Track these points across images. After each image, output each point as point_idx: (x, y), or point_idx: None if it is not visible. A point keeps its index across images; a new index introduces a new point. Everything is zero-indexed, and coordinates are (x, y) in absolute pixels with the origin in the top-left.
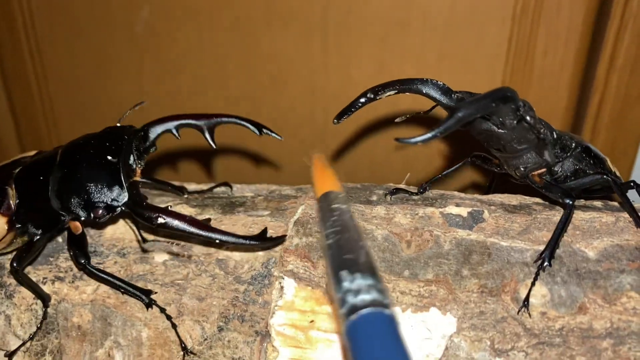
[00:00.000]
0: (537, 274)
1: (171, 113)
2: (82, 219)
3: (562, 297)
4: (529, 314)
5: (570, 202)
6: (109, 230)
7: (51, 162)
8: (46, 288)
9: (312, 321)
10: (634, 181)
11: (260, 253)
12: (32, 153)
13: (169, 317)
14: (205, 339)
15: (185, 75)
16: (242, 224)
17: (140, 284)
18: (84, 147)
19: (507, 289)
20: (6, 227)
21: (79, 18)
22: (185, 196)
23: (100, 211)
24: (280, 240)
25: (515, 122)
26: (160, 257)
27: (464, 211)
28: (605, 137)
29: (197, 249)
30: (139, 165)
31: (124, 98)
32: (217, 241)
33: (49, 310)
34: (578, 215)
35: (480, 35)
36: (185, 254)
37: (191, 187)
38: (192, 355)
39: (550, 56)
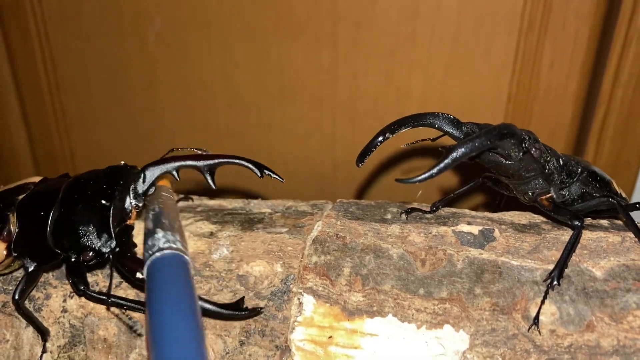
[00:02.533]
0: (546, 293)
1: (182, 123)
2: (73, 259)
3: (571, 315)
4: (539, 331)
5: (579, 224)
6: (139, 246)
7: (54, 197)
8: (73, 302)
9: (330, 337)
10: (639, 203)
11: (279, 269)
12: (37, 179)
13: None
14: (227, 353)
15: (196, 85)
16: (261, 240)
17: None
18: (83, 186)
19: (518, 307)
20: (5, 253)
21: (91, 29)
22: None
23: (89, 255)
24: (255, 312)
25: (520, 154)
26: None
27: (475, 229)
28: (609, 150)
29: (219, 265)
30: (136, 207)
31: (135, 108)
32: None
33: (76, 323)
34: (585, 235)
35: (487, 48)
36: (134, 329)
37: None
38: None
39: (556, 70)
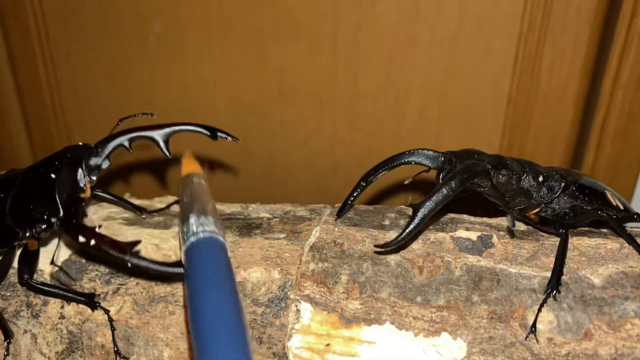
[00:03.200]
0: (544, 301)
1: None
2: (27, 234)
3: (569, 323)
4: (537, 339)
5: (564, 231)
6: None
7: (13, 181)
8: (70, 308)
9: (328, 345)
10: (637, 213)
11: (277, 276)
12: (3, 172)
13: (110, 320)
14: None
15: (196, 86)
16: (259, 247)
17: (161, 305)
18: (39, 167)
19: (516, 315)
20: None
21: (92, 30)
22: (144, 216)
23: (40, 227)
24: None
25: (489, 183)
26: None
27: (473, 235)
28: (609, 152)
29: None
30: (90, 182)
31: (135, 109)
32: (129, 264)
33: (73, 329)
34: (584, 242)
35: (487, 50)
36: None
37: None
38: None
39: (556, 71)
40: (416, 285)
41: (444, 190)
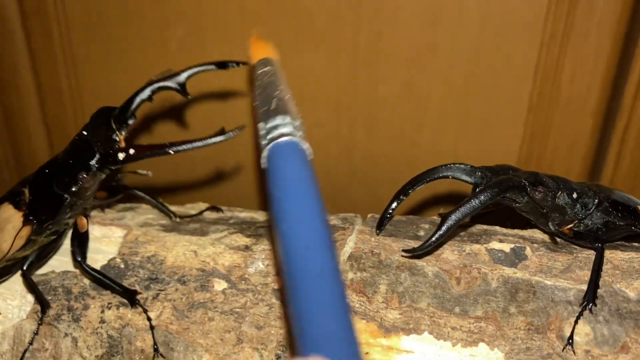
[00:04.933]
0: (580, 314)
1: (201, 129)
2: (74, 189)
3: (605, 336)
4: (574, 351)
5: (600, 245)
6: (170, 259)
7: (56, 157)
8: (111, 313)
9: (367, 353)
10: None
11: None
12: None
13: (149, 319)
14: None
15: (216, 92)
16: None
17: (200, 311)
18: (76, 135)
19: (552, 327)
20: (22, 220)
21: (114, 34)
22: (178, 220)
23: (82, 175)
24: (239, 129)
25: (524, 199)
26: (219, 286)
27: (506, 247)
28: (629, 162)
29: (254, 279)
30: (122, 135)
31: (155, 112)
32: (172, 152)
33: (113, 333)
34: (617, 255)
35: (508, 59)
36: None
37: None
38: (159, 355)
39: (577, 81)
40: (454, 296)
41: (473, 202)
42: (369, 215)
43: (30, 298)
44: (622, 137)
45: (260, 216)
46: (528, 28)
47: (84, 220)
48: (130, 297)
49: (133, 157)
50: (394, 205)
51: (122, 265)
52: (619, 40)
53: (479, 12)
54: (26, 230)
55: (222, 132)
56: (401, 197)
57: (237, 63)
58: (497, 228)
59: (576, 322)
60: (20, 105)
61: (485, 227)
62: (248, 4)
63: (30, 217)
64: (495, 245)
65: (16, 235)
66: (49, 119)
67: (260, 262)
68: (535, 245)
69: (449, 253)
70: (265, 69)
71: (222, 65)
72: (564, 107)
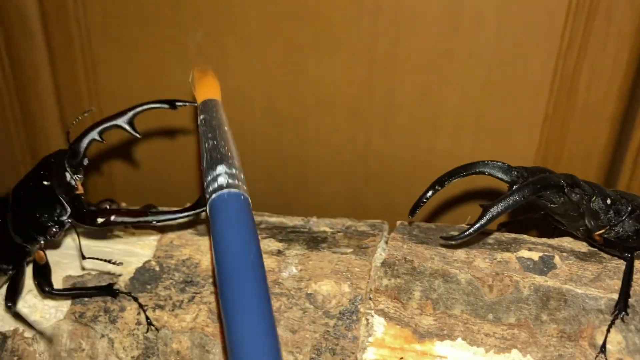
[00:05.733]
0: (612, 322)
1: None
2: (42, 242)
3: (637, 344)
4: (606, 359)
5: (630, 255)
6: (205, 262)
7: (5, 203)
8: (147, 314)
9: (401, 358)
10: None
11: (347, 289)
12: None
13: (136, 299)
14: None
15: (234, 95)
16: (328, 260)
17: None
18: (26, 182)
19: (585, 335)
20: None
21: (134, 38)
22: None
23: (53, 230)
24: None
25: (561, 200)
26: None
27: (535, 255)
28: None
29: (288, 283)
30: (79, 179)
31: (173, 119)
32: (154, 222)
33: (149, 335)
34: None
35: (525, 67)
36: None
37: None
38: (153, 328)
39: (593, 90)
40: (487, 303)
41: (516, 196)
42: (398, 223)
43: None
44: (638, 147)
45: (288, 221)
46: (546, 37)
47: (42, 253)
48: (110, 291)
49: (112, 223)
50: (429, 194)
51: (157, 268)
52: (636, 50)
53: (497, 21)
54: None
55: (200, 202)
56: (437, 187)
57: (186, 102)
58: (526, 236)
59: (608, 330)
60: (39, 106)
61: (514, 235)
62: (267, 8)
63: None
64: (524, 253)
65: None
66: (67, 120)
67: (293, 267)
68: (565, 254)
69: (480, 261)
70: (207, 114)
71: (170, 104)
72: (580, 115)
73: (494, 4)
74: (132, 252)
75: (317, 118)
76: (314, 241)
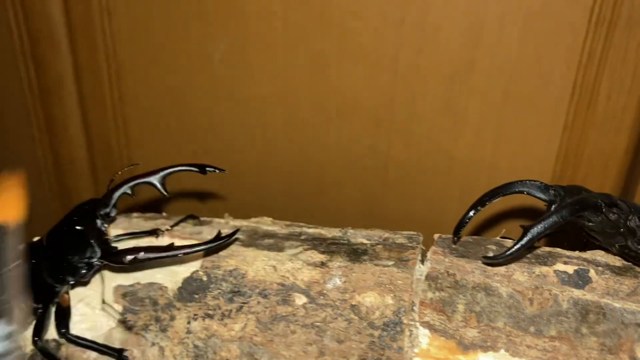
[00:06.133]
0: None
1: (240, 139)
2: (72, 283)
3: None
4: None
5: None
6: (251, 273)
7: (40, 247)
8: (197, 324)
9: None
10: None
11: (390, 301)
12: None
13: None
14: None
15: (256, 103)
16: (371, 272)
17: (282, 325)
18: (59, 228)
19: (624, 348)
20: None
21: (159, 47)
22: (158, 237)
23: (83, 271)
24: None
25: (598, 219)
26: (300, 300)
27: (570, 269)
28: None
29: (333, 294)
30: (106, 227)
31: (195, 123)
32: (180, 255)
33: (199, 344)
34: None
35: (546, 79)
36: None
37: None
38: None
39: (613, 101)
40: (528, 316)
41: (555, 217)
42: (436, 236)
43: (117, 308)
44: None
45: (326, 232)
46: (567, 48)
47: (67, 296)
48: (119, 356)
49: (140, 261)
50: (471, 213)
51: (205, 278)
52: None
53: (519, 32)
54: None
55: (219, 235)
56: (478, 207)
57: (216, 169)
58: (560, 250)
59: None
60: (62, 113)
61: (548, 248)
62: (292, 19)
63: None
64: (559, 267)
65: None
66: (90, 128)
67: (337, 279)
68: (600, 268)
69: (519, 274)
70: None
71: (201, 168)
72: (599, 127)
73: (516, 16)
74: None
75: (338, 126)
76: (355, 253)
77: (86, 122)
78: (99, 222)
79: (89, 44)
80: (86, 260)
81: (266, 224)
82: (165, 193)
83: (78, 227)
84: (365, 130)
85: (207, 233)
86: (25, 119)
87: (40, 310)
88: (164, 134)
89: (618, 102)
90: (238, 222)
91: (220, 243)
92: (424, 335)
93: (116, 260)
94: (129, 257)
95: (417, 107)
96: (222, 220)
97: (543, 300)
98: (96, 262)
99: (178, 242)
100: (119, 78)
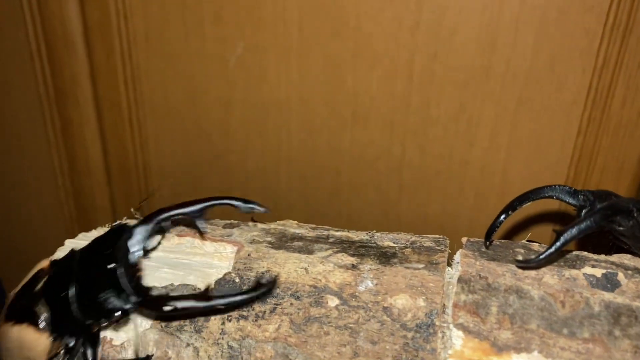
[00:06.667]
0: None
1: (255, 143)
2: (104, 324)
3: None
4: None
5: None
6: (283, 275)
7: (69, 274)
8: (231, 325)
9: None
10: None
11: (422, 304)
12: (46, 263)
13: None
14: None
15: (271, 107)
16: (402, 275)
17: (315, 326)
18: (91, 256)
19: None
20: (49, 341)
21: (174, 50)
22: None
23: (115, 316)
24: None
25: (630, 223)
26: (332, 302)
27: (598, 272)
28: None
29: (365, 297)
30: (142, 257)
31: (210, 126)
32: (219, 307)
33: (234, 344)
34: None
35: (560, 84)
36: None
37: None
38: None
39: (628, 106)
40: (561, 319)
41: (588, 222)
42: (464, 240)
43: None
44: None
45: (353, 235)
46: (581, 54)
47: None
48: None
49: (178, 310)
50: (502, 218)
51: (237, 280)
52: None
53: (534, 38)
54: (51, 346)
55: (258, 284)
56: (509, 211)
57: (260, 207)
58: (586, 253)
59: None
60: (78, 116)
61: (576, 252)
62: (308, 24)
63: (54, 337)
64: (587, 270)
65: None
66: (105, 131)
67: (369, 281)
68: (629, 271)
69: (549, 277)
70: None
71: (244, 206)
72: (613, 132)
73: (531, 21)
74: (210, 264)
75: (352, 130)
76: (384, 256)
77: (101, 124)
78: (132, 256)
79: (105, 46)
80: (121, 306)
81: (292, 227)
82: (202, 230)
83: (113, 265)
84: (380, 135)
85: (237, 235)
86: (41, 121)
87: (72, 344)
88: (179, 136)
89: (633, 107)
90: (265, 225)
91: (259, 294)
92: (457, 337)
93: (153, 308)
94: (168, 308)
95: (432, 112)
96: (250, 224)
97: (574, 303)
98: (132, 308)
99: (209, 245)
100: (134, 81)
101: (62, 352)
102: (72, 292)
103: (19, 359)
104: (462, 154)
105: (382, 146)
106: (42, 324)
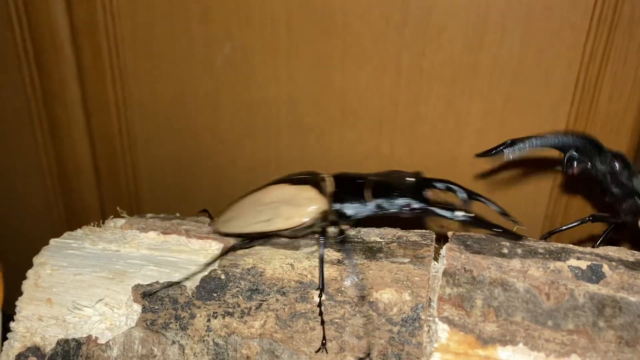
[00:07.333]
0: None
1: (243, 142)
2: (387, 212)
3: None
4: None
5: None
6: (269, 271)
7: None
8: (217, 322)
9: None
10: None
11: (408, 298)
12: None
13: None
14: None
15: (259, 107)
16: (387, 270)
17: (301, 322)
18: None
19: None
20: (324, 202)
21: (162, 50)
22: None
23: (405, 207)
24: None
25: (604, 168)
26: (318, 297)
27: (583, 264)
28: None
29: (351, 291)
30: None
31: (199, 126)
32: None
33: (220, 341)
34: None
35: (547, 80)
36: None
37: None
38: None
39: (614, 101)
40: (546, 311)
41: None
42: (450, 234)
43: (136, 307)
44: None
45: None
46: (568, 50)
47: None
48: None
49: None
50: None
51: (223, 277)
52: None
53: (521, 34)
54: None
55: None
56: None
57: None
58: (572, 246)
59: None
60: (66, 117)
61: (561, 244)
62: (296, 23)
63: (334, 206)
64: (572, 262)
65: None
66: (93, 131)
67: (355, 276)
68: (613, 263)
69: (534, 270)
70: None
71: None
72: (600, 126)
73: (518, 17)
74: (196, 262)
75: (341, 128)
76: (370, 251)
77: (90, 125)
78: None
79: (92, 47)
80: (408, 202)
81: None
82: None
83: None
84: (369, 133)
85: None
86: (29, 123)
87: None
88: (168, 137)
89: (619, 102)
90: None
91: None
92: (443, 331)
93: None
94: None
95: (420, 109)
96: None
97: (559, 295)
98: (417, 208)
99: (195, 242)
100: (122, 81)
101: (318, 227)
102: (366, 183)
103: (272, 212)
104: (450, 151)
105: (371, 144)
106: (326, 192)
